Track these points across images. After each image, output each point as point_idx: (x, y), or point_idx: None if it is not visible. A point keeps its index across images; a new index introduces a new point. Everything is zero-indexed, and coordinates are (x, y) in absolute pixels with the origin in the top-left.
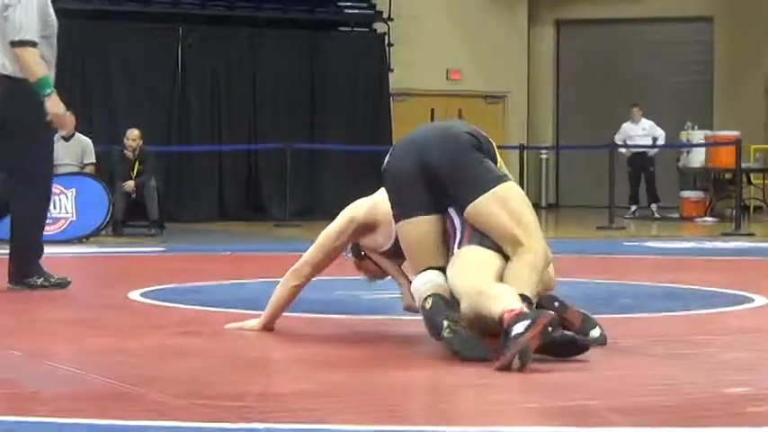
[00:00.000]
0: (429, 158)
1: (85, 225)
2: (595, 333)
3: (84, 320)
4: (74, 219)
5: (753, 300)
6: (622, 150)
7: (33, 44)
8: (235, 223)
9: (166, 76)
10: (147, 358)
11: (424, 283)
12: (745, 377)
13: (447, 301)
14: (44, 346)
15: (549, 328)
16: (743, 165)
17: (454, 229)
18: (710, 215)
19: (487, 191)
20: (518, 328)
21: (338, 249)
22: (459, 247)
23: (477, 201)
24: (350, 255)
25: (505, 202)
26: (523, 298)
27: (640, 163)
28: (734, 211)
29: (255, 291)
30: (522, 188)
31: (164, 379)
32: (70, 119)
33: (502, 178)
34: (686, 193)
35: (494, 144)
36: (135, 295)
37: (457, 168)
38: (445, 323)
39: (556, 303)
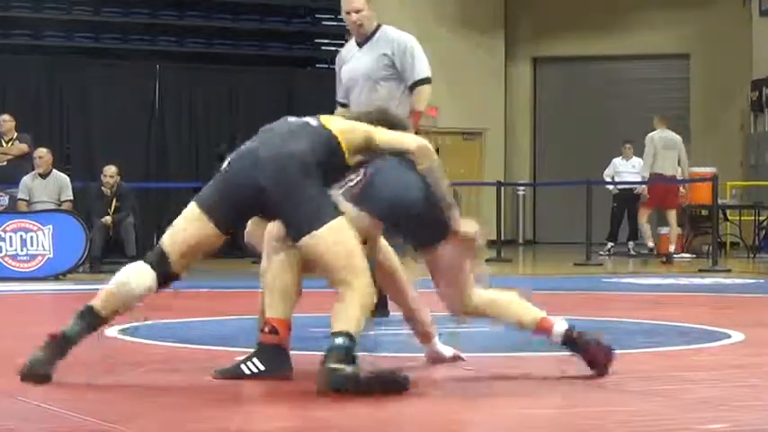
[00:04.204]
0: (261, 182)
1: (62, 262)
2: None
3: None
4: (51, 256)
5: (729, 336)
6: (610, 187)
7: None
8: (212, 260)
9: (144, 112)
10: (126, 395)
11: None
12: (723, 414)
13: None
14: (20, 383)
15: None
16: (719, 201)
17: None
18: (687, 252)
19: (321, 226)
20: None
21: None
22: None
23: (310, 235)
24: None
25: (336, 240)
26: (347, 335)
27: (627, 200)
28: (710, 248)
29: (233, 327)
30: (500, 224)
31: (142, 416)
32: None
33: (333, 213)
34: (663, 230)
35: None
36: (113, 332)
37: (288, 199)
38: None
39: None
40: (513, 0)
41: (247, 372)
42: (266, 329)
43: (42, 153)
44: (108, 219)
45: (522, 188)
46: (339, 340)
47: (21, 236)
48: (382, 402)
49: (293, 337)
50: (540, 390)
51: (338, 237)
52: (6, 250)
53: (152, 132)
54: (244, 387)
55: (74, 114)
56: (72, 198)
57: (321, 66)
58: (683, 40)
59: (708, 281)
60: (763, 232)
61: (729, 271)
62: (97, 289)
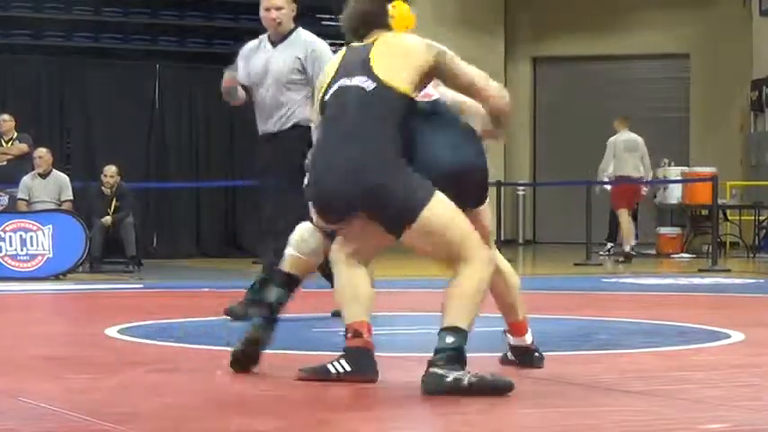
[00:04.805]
0: (347, 194)
1: (62, 262)
2: None
3: (61, 357)
4: (50, 255)
5: (729, 336)
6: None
7: None
8: (212, 260)
9: (144, 112)
10: (125, 395)
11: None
12: (722, 413)
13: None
14: (20, 383)
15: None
16: (719, 201)
17: None
18: (687, 251)
19: (419, 212)
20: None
21: None
22: None
23: (413, 226)
24: None
25: (441, 217)
26: (457, 332)
27: None
28: (710, 248)
29: (233, 327)
30: (500, 225)
31: (142, 416)
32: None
33: (428, 193)
34: (663, 230)
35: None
36: (112, 332)
37: (382, 198)
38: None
39: None
40: (513, 0)
41: (333, 371)
42: (349, 335)
43: (42, 153)
44: (108, 219)
45: (521, 188)
46: (449, 339)
47: (21, 236)
48: (382, 403)
49: (294, 337)
50: (538, 389)
51: (441, 214)
52: (6, 250)
53: (152, 132)
54: (244, 387)
55: (74, 114)
56: (72, 198)
57: None
58: (683, 40)
59: (708, 281)
60: (763, 232)
61: (729, 271)
62: (97, 289)
